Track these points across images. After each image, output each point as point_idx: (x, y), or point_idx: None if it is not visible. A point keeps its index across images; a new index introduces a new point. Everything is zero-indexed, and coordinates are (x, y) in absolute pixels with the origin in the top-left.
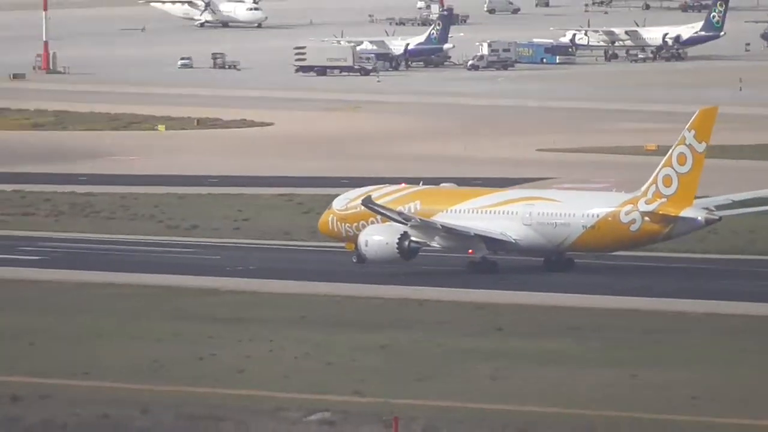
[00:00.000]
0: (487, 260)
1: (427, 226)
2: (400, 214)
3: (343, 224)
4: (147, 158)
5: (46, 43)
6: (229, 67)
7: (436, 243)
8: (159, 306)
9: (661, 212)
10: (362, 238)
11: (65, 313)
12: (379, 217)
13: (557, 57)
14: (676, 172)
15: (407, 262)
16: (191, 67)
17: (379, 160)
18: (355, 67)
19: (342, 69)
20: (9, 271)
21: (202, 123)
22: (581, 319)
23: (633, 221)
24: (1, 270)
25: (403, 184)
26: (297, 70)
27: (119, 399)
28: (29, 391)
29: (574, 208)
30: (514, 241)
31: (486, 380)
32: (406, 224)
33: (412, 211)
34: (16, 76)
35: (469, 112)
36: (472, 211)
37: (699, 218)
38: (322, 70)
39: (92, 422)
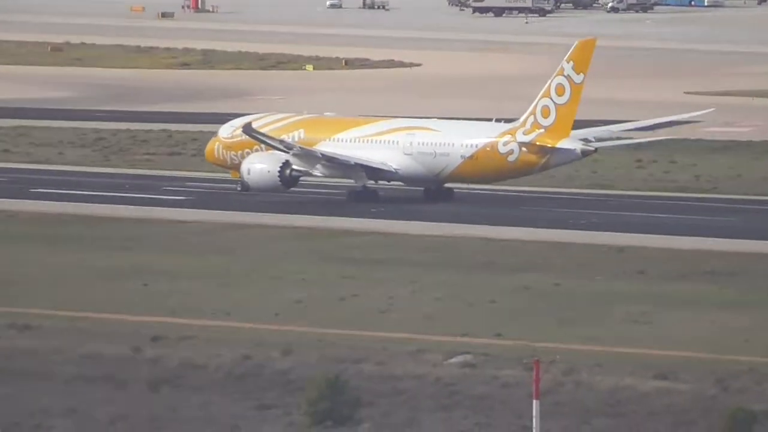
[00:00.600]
0: (368, 189)
1: (308, 155)
2: (281, 142)
3: (228, 152)
4: (289, 98)
5: None
6: (378, 8)
7: (317, 171)
8: (303, 247)
9: (538, 143)
10: (245, 166)
11: (208, 253)
12: (263, 145)
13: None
14: (555, 103)
15: (287, 191)
16: (340, 7)
17: (521, 101)
18: (533, 8)
19: (520, 10)
20: (155, 210)
21: (351, 64)
22: (717, 263)
23: (511, 152)
24: (147, 209)
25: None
26: (474, 11)
27: (261, 340)
28: (171, 331)
29: (453, 138)
30: (394, 170)
31: (628, 323)
32: (288, 152)
33: (296, 139)
34: (164, 15)
35: (612, 53)
36: (355, 140)
37: (575, 149)
38: (499, 11)
39: (233, 363)
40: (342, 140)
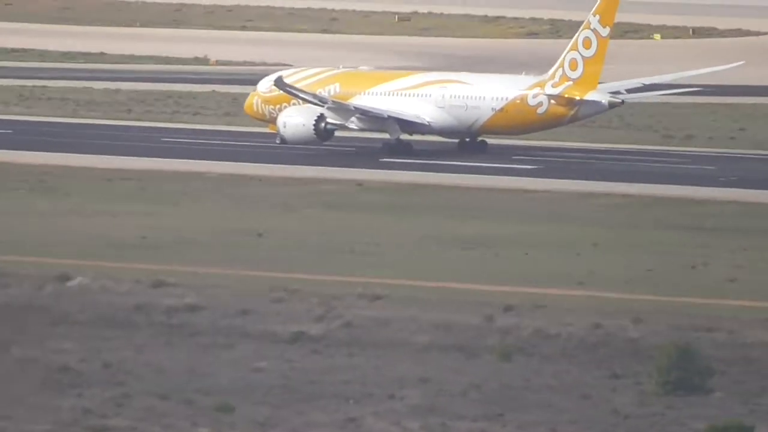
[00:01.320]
0: (401, 141)
1: (341, 108)
2: (314, 96)
3: (266, 106)
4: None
5: None
6: None
7: (352, 125)
8: (648, 215)
9: (566, 95)
10: (281, 120)
11: (557, 222)
12: (299, 100)
13: None
14: (582, 56)
15: (323, 143)
16: None
17: None
18: None
19: None
20: (505, 179)
21: (698, 33)
22: None
23: (540, 104)
24: (498, 178)
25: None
26: None
27: (611, 309)
28: (523, 300)
29: (484, 91)
30: (427, 123)
31: None
32: (323, 106)
33: (331, 93)
34: None
35: None
36: (389, 94)
37: (603, 101)
38: None
39: (585, 332)
40: (376, 93)
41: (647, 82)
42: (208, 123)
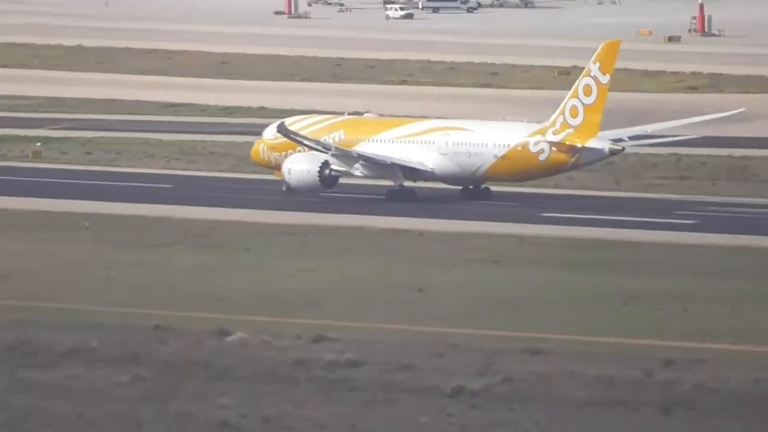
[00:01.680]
0: (405, 188)
1: (345, 155)
2: (317, 142)
3: (272, 153)
4: None
5: (701, 6)
6: None
7: (357, 172)
8: None
9: (567, 142)
10: (285, 166)
11: (719, 277)
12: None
13: None
14: (582, 103)
15: (328, 190)
16: None
17: None
18: None
19: None
20: (666, 234)
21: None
22: None
23: (542, 151)
24: (658, 233)
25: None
26: None
27: None
28: (683, 354)
29: (487, 138)
30: (430, 170)
31: None
32: (327, 153)
33: (337, 140)
34: (671, 39)
35: None
36: (393, 141)
37: (604, 148)
38: None
39: (745, 388)
40: (380, 140)
41: (650, 130)
42: None
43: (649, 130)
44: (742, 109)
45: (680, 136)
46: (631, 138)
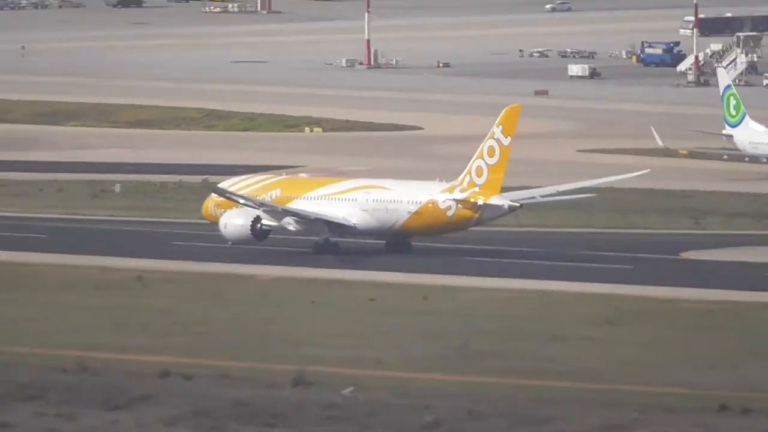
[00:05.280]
0: (329, 242)
1: (273, 211)
2: (248, 199)
3: (218, 209)
4: None
5: None
6: None
7: (290, 226)
8: None
9: (471, 200)
10: (222, 221)
11: None
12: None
13: None
14: (486, 163)
15: (259, 243)
16: None
17: None
18: None
19: None
20: None
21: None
22: None
23: (449, 207)
24: None
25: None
26: None
27: None
28: None
29: (402, 195)
30: (353, 224)
31: None
32: (259, 209)
33: (272, 198)
34: None
35: None
36: (321, 198)
37: (504, 205)
38: None
39: None
40: (311, 198)
41: (561, 189)
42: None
43: (559, 190)
44: (647, 170)
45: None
46: (543, 196)
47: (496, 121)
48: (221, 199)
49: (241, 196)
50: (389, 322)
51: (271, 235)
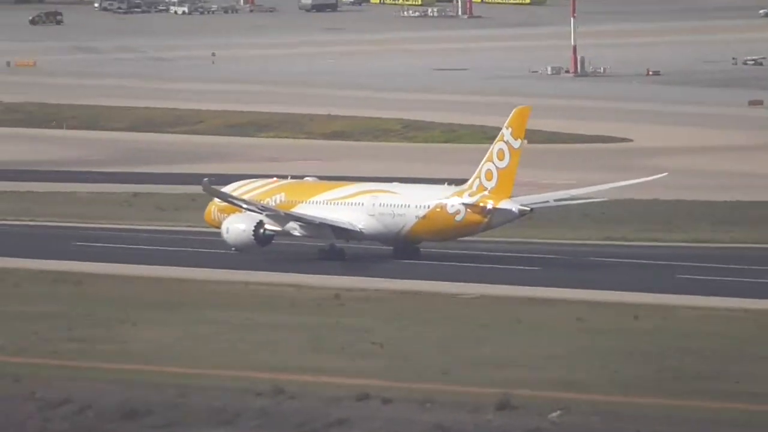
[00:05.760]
0: (334, 247)
1: (276, 216)
2: (250, 203)
3: (221, 214)
4: None
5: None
6: None
7: (296, 231)
8: None
9: (480, 204)
10: (224, 226)
11: None
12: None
13: None
14: (496, 166)
15: (263, 249)
16: None
17: None
18: None
19: None
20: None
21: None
22: None
23: (458, 212)
24: None
25: (274, 179)
26: None
27: None
28: None
29: (409, 200)
30: (359, 230)
31: None
32: (262, 213)
33: (277, 202)
34: None
35: None
36: (327, 203)
37: (514, 209)
38: None
39: None
40: (316, 202)
41: (574, 193)
42: None
43: (572, 193)
44: (665, 174)
45: (597, 198)
46: (556, 200)
47: (506, 123)
48: (225, 204)
49: (244, 201)
50: (598, 341)
51: (274, 241)
